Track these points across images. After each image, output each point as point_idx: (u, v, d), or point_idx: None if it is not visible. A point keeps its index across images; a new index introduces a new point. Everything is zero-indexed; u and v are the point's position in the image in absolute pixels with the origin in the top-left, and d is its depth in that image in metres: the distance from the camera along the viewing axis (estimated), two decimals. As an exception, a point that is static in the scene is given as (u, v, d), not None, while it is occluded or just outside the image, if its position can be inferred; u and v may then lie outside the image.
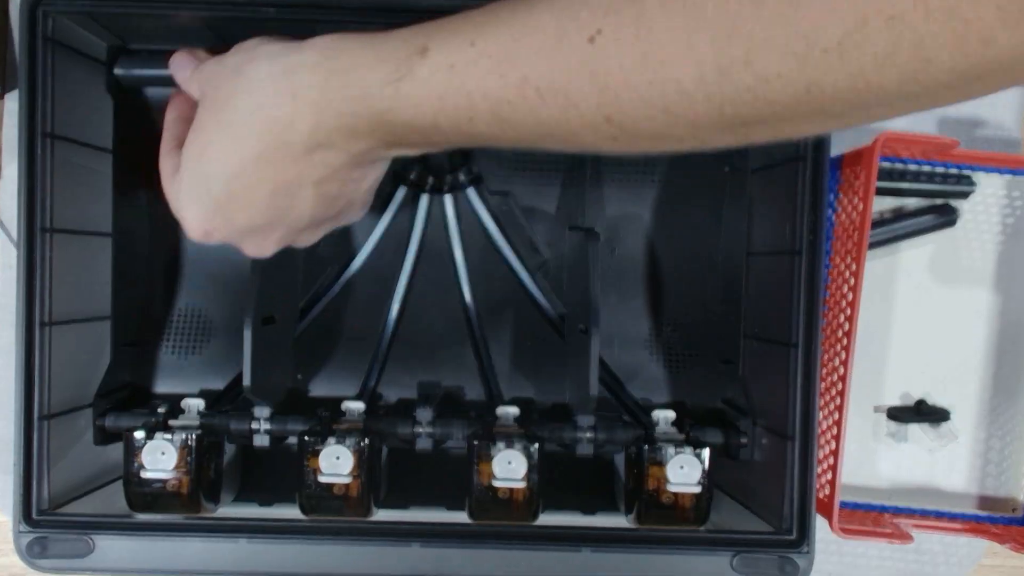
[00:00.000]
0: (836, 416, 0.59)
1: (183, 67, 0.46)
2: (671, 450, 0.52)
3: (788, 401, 0.52)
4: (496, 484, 0.51)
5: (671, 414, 0.56)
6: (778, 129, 0.30)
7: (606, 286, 0.64)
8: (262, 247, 0.43)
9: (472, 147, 0.37)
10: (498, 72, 0.32)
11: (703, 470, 0.52)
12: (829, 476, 0.59)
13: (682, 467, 0.51)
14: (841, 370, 0.59)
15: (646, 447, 0.52)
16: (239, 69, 0.39)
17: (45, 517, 0.51)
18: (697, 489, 0.51)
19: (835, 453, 0.59)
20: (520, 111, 0.32)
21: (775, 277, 0.54)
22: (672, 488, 0.51)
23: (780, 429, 0.52)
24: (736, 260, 0.60)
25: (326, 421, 0.53)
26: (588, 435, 0.55)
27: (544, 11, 0.31)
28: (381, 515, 0.54)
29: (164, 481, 0.51)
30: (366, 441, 0.51)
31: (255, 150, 0.38)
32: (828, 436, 0.60)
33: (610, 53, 0.29)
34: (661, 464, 0.52)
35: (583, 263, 0.55)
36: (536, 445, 0.51)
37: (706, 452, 0.52)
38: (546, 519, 0.53)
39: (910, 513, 0.68)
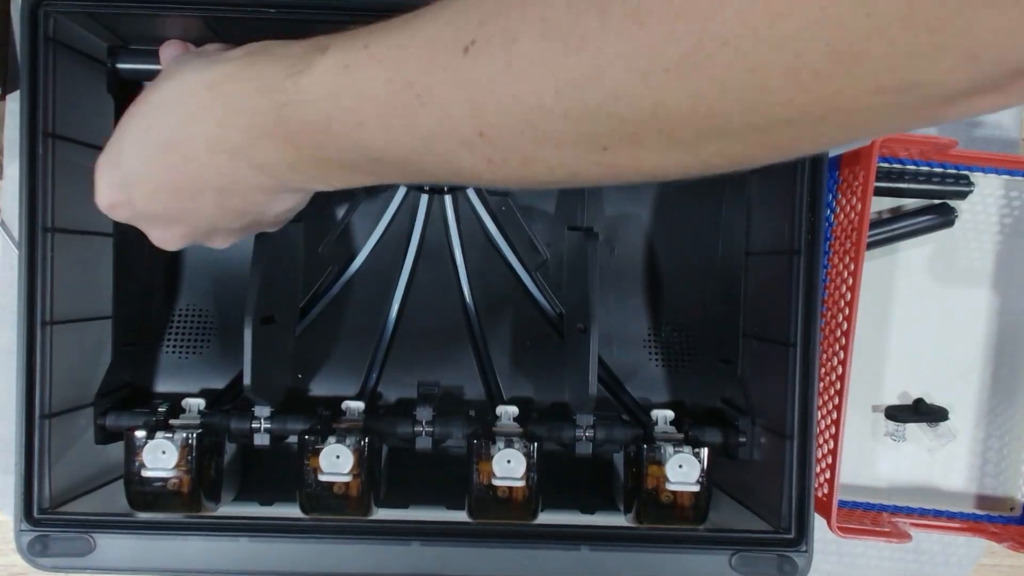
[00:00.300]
0: (835, 415, 0.59)
1: (170, 56, 0.47)
2: (670, 449, 0.52)
3: (787, 400, 0.52)
4: (496, 483, 0.51)
5: (670, 413, 0.56)
6: (639, 159, 0.29)
7: (605, 286, 0.64)
8: (165, 239, 0.43)
9: (370, 176, 0.36)
10: (385, 77, 0.32)
11: (702, 469, 0.52)
12: (828, 475, 0.59)
13: (681, 466, 0.51)
14: (840, 369, 0.60)
15: (645, 446, 0.53)
16: (182, 61, 0.40)
17: (46, 516, 0.51)
18: (696, 488, 0.52)
19: (833, 452, 0.59)
20: (404, 120, 0.32)
21: (774, 277, 0.54)
22: (671, 487, 0.52)
23: (779, 428, 0.52)
24: (735, 260, 0.60)
25: (326, 420, 0.53)
26: (587, 434, 0.55)
27: (431, 21, 0.31)
28: (381, 514, 0.54)
29: (165, 480, 0.51)
30: (366, 440, 0.51)
31: (163, 134, 0.38)
32: (827, 435, 0.60)
33: (481, 64, 0.29)
34: (660, 463, 0.52)
35: (582, 263, 0.55)
36: (535, 444, 0.52)
37: (705, 451, 0.52)
38: (545, 518, 0.53)
39: (909, 512, 0.68)
